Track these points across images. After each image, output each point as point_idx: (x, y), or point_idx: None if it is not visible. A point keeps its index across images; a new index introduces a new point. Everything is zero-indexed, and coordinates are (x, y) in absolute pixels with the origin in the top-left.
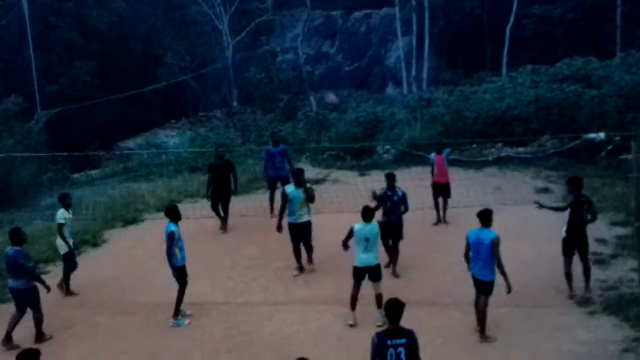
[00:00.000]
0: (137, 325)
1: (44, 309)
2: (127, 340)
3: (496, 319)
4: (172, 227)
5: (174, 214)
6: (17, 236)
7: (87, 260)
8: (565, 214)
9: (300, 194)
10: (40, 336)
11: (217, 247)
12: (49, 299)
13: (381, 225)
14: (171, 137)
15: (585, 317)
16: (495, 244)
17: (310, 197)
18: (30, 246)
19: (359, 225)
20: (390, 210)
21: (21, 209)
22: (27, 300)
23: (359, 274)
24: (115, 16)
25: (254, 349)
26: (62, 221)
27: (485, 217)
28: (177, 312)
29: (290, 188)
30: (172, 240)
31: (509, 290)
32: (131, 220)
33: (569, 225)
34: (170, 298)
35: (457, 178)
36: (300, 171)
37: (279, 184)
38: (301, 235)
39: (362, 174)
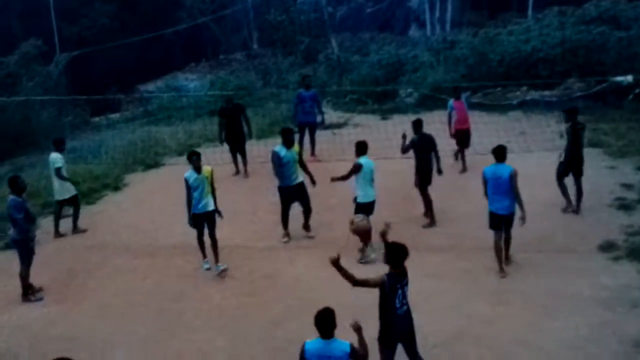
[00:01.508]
0: (158, 268)
1: (66, 252)
2: (148, 282)
3: (518, 263)
4: (186, 174)
5: (191, 160)
6: (15, 184)
7: (109, 204)
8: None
9: (294, 154)
10: (26, 293)
11: (238, 192)
12: (69, 244)
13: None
14: (191, 81)
15: (609, 262)
16: (513, 176)
17: (302, 161)
18: (50, 191)
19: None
20: (427, 156)
21: (43, 152)
22: (19, 251)
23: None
24: None
25: (275, 292)
26: (60, 164)
27: (500, 153)
28: (204, 257)
29: (283, 151)
30: (186, 186)
31: (524, 220)
32: (152, 164)
33: (569, 149)
34: (190, 241)
35: (481, 122)
36: (290, 131)
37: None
38: (297, 197)
39: (384, 118)
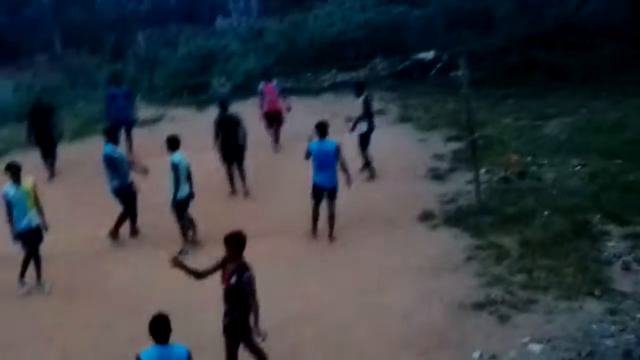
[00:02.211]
0: None
1: None
2: None
3: (345, 239)
4: (4, 189)
5: (12, 173)
6: None
7: None
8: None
9: (122, 152)
10: None
11: (55, 196)
12: None
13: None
14: None
15: (429, 231)
16: (339, 149)
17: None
18: None
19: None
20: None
21: None
22: None
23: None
24: None
25: (105, 296)
26: None
27: (323, 128)
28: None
29: (115, 151)
30: (5, 202)
31: (350, 185)
32: None
33: (369, 119)
34: (10, 253)
35: (295, 106)
36: (112, 129)
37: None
38: (132, 197)
39: (199, 110)
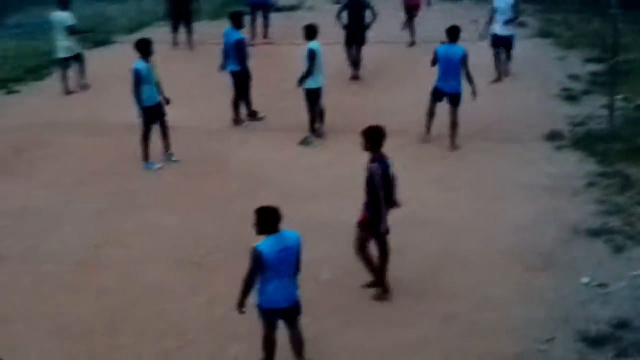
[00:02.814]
0: (109, 147)
1: (11, 129)
2: (100, 161)
3: (466, 148)
4: (136, 65)
5: (143, 49)
6: None
7: (57, 82)
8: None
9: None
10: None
11: (189, 73)
12: (19, 120)
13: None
14: None
15: (553, 152)
16: (466, 56)
17: None
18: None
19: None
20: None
21: None
22: None
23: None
24: None
25: (226, 174)
26: (72, 23)
27: (454, 32)
28: (145, 159)
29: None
30: (136, 77)
31: (475, 95)
32: (101, 42)
33: (507, 22)
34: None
35: (434, 10)
36: (240, 14)
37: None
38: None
39: (337, 2)
